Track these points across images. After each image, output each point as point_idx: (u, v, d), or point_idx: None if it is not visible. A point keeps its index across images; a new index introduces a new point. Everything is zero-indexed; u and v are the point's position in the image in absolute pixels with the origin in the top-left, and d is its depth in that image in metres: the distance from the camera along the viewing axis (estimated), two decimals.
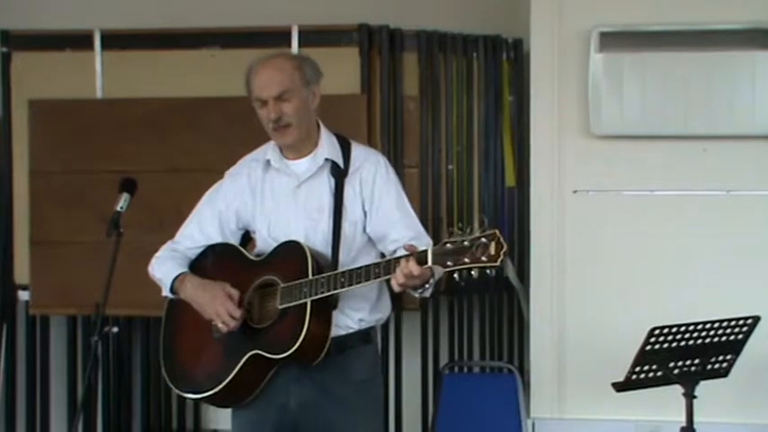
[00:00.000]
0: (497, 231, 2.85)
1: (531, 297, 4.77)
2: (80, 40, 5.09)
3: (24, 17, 5.36)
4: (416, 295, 3.11)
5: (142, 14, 5.34)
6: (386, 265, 3.00)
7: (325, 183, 3.29)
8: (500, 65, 5.14)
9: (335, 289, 3.08)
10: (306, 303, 3.10)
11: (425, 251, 2.94)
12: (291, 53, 3.42)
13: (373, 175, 3.30)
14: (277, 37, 4.91)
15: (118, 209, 3.59)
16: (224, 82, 4.89)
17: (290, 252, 3.21)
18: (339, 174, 3.28)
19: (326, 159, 3.29)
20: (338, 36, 4.95)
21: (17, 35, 5.17)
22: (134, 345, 5.36)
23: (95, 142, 5.04)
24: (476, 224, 4.75)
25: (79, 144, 5.05)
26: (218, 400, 3.33)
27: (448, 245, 2.90)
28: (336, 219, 3.24)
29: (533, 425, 4.71)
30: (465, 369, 5.21)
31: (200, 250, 3.42)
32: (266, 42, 4.84)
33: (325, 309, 3.15)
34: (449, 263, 2.89)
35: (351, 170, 3.30)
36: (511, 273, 5.03)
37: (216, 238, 3.40)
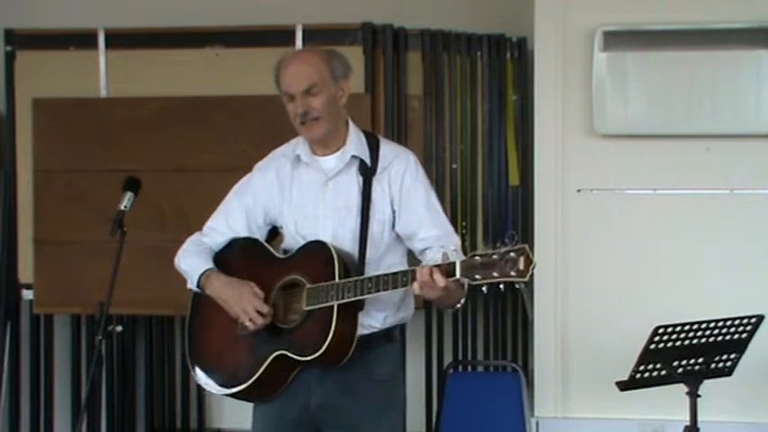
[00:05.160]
0: (527, 246, 2.81)
1: (535, 296, 4.77)
2: (84, 39, 5.10)
3: (28, 16, 5.36)
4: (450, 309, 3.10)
5: (146, 13, 5.33)
6: (413, 274, 2.98)
7: (354, 181, 3.26)
8: (504, 64, 5.13)
9: (362, 294, 3.06)
10: (333, 306, 3.09)
11: (453, 263, 2.92)
12: (320, 48, 3.40)
13: (402, 174, 3.27)
14: (281, 36, 4.92)
15: (122, 208, 3.58)
16: (228, 81, 4.91)
17: (317, 252, 3.18)
18: (367, 172, 3.26)
19: (353, 156, 3.27)
20: (342, 35, 4.95)
21: (21, 34, 5.18)
22: (138, 344, 5.36)
23: (99, 141, 5.04)
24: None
25: (83, 143, 5.05)
26: (243, 396, 3.32)
27: (476, 258, 2.87)
28: (364, 217, 3.22)
29: (537, 424, 4.71)
30: (469, 368, 5.21)
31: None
32: (270, 41, 4.85)
33: (351, 311, 3.14)
34: (477, 276, 2.87)
35: (379, 168, 3.26)
36: None
37: (243, 233, 3.38)
